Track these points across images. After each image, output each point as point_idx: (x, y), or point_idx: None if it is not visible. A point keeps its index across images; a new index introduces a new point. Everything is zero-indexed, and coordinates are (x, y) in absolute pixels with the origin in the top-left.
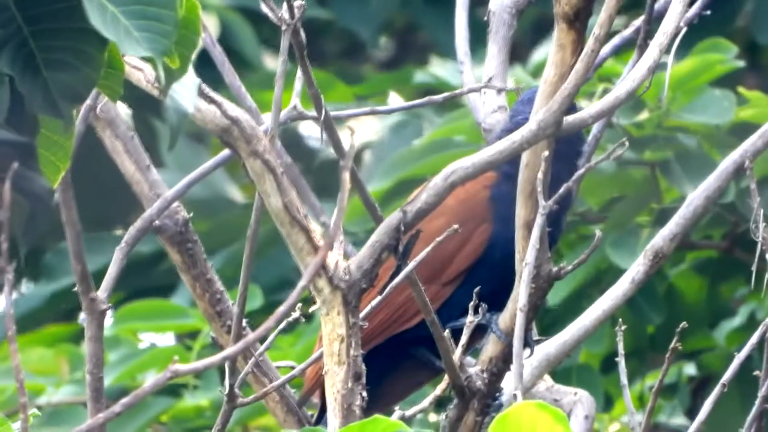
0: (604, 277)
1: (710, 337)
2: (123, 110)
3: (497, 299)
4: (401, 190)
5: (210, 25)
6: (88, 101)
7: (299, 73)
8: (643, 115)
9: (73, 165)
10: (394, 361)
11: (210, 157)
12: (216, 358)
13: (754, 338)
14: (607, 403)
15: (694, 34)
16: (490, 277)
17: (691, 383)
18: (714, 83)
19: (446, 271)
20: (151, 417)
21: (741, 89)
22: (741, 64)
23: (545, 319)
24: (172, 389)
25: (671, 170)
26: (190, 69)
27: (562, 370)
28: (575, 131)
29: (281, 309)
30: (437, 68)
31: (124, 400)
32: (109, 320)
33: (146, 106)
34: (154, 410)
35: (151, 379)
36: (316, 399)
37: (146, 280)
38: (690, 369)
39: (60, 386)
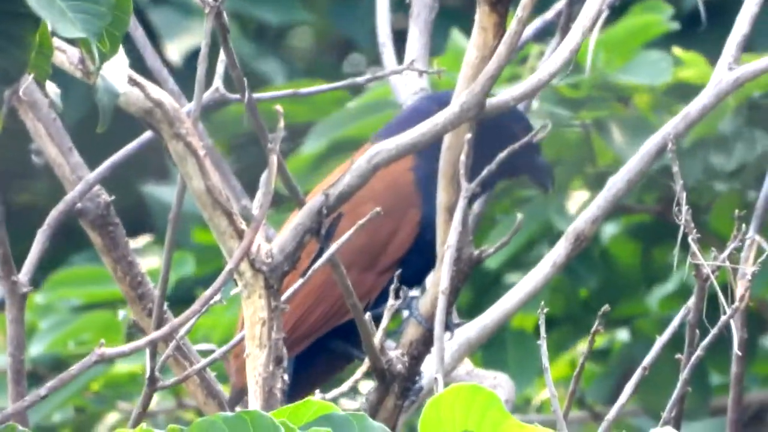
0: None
1: (643, 302)
2: (52, 91)
3: (418, 281)
4: (335, 152)
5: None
6: None
7: (222, 55)
8: (579, 77)
9: None
10: (313, 355)
11: None
12: (141, 341)
13: (676, 321)
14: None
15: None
16: (419, 260)
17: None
18: (652, 45)
19: (381, 260)
20: (82, 385)
21: (677, 50)
22: (675, 25)
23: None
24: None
25: (608, 131)
26: (121, 50)
27: (495, 336)
28: (500, 113)
29: (206, 293)
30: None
31: (50, 384)
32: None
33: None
34: (86, 378)
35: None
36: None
37: None
38: (623, 335)
39: None
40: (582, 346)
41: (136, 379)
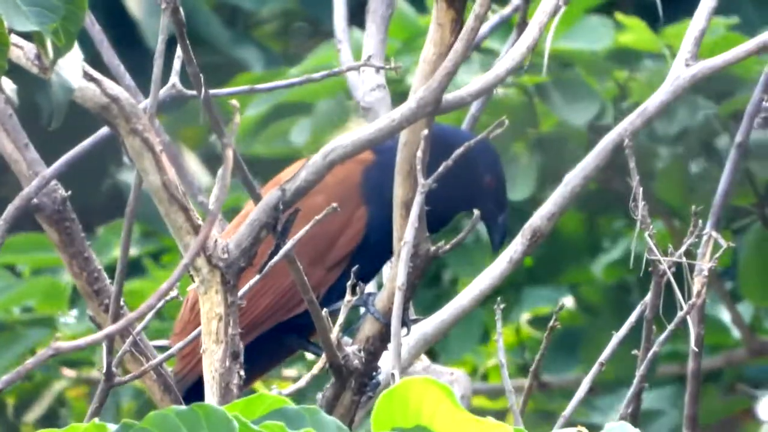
0: None
1: (588, 269)
2: (8, 86)
3: (371, 277)
4: (277, 116)
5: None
6: None
7: (178, 51)
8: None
9: None
10: (267, 348)
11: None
12: (97, 335)
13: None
14: (484, 336)
15: None
16: (371, 258)
17: None
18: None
19: (329, 255)
20: (27, 347)
21: (619, 16)
22: None
23: None
24: (47, 321)
25: (549, 96)
26: (75, 45)
27: None
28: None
29: (162, 287)
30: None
31: (6, 377)
32: None
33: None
34: (31, 341)
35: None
36: None
37: None
38: (568, 302)
39: None
40: (526, 316)
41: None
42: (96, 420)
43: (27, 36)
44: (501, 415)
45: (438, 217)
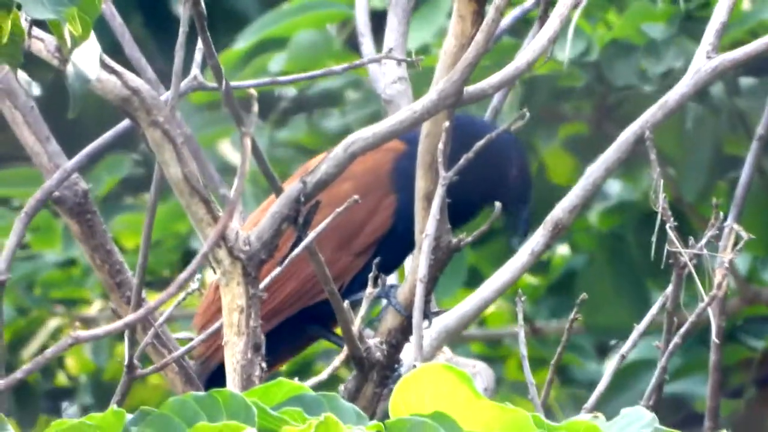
0: None
1: (583, 216)
2: (23, 78)
3: (395, 268)
4: (262, 49)
5: None
6: None
7: (199, 43)
8: None
9: None
10: (289, 337)
11: None
12: (116, 325)
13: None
14: (472, 276)
15: None
16: (397, 247)
17: None
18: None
19: (356, 242)
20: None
21: None
22: None
23: None
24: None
25: None
26: (92, 35)
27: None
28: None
29: (181, 276)
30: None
31: (26, 367)
32: None
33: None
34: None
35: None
36: None
37: None
38: (563, 249)
39: None
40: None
41: (72, 280)
42: (114, 407)
43: (47, 29)
44: (495, 362)
45: (463, 211)
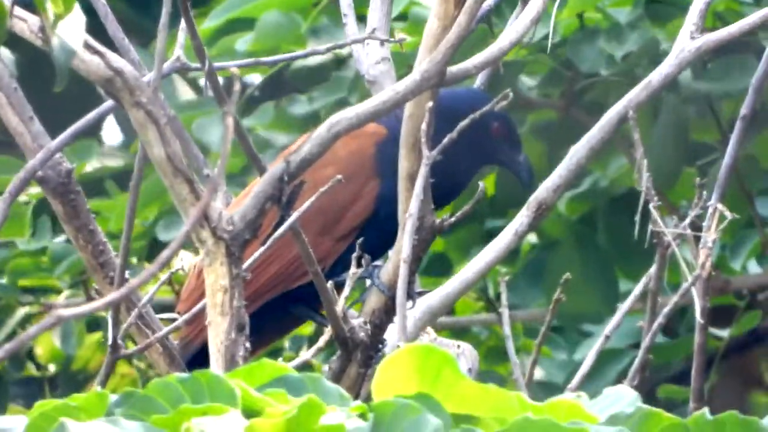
0: None
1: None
2: (6, 56)
3: (381, 253)
4: (230, 29)
5: None
6: None
7: (182, 23)
8: None
9: None
10: (274, 317)
11: None
12: (99, 303)
13: (638, 289)
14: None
15: None
16: (380, 232)
17: None
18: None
19: (338, 226)
20: None
21: None
22: None
23: None
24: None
25: None
26: (76, 7)
27: None
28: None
29: (163, 254)
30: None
31: (8, 346)
32: None
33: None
34: None
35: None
36: None
37: None
38: (531, 237)
39: None
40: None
41: (39, 266)
42: (97, 388)
43: (31, 8)
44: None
45: (457, 182)
